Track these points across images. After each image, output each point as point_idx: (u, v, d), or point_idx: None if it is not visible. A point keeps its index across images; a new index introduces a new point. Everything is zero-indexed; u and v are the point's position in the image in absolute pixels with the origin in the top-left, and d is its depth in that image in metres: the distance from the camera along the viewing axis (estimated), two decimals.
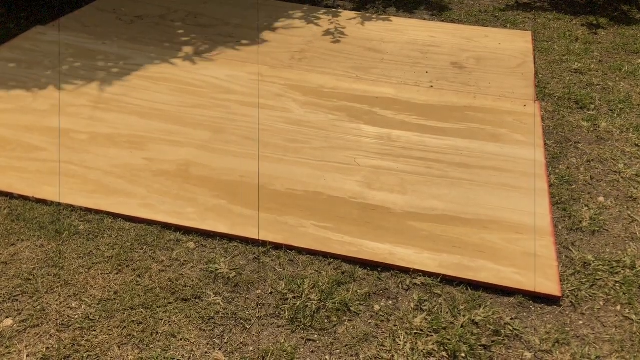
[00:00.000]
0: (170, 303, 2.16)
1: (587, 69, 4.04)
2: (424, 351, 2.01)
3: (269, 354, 1.99)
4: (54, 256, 2.33)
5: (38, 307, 2.12)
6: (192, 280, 2.25)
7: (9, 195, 2.63)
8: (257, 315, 2.13)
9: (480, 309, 2.17)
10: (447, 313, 2.16)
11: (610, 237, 2.55)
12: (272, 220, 2.53)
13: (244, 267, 2.33)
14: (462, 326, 2.10)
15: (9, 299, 2.14)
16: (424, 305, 2.19)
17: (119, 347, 1.99)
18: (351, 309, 2.17)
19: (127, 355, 1.96)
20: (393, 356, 1.99)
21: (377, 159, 2.96)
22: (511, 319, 2.15)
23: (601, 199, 2.78)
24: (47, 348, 1.97)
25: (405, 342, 2.04)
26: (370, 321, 2.13)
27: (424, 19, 4.90)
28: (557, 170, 2.97)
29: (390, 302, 2.21)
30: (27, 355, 1.95)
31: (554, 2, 5.39)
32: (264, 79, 3.68)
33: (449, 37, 4.47)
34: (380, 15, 4.91)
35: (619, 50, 4.35)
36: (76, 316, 2.09)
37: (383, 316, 2.15)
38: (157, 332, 2.04)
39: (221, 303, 2.17)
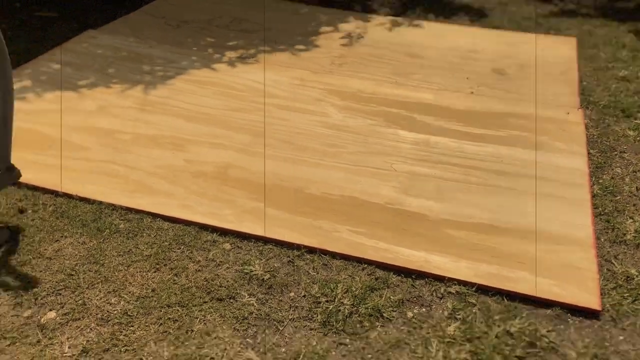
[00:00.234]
0: (205, 302, 2.20)
1: (634, 77, 3.91)
2: None
3: (301, 356, 2.00)
4: (95, 253, 2.41)
5: (79, 301, 2.19)
6: (227, 281, 2.29)
7: (55, 193, 2.73)
8: (290, 317, 2.15)
9: (516, 320, 2.13)
10: (481, 322, 2.12)
11: None
12: (307, 224, 2.55)
13: (278, 269, 2.35)
14: (496, 336, 2.07)
15: (52, 293, 2.23)
16: (458, 314, 2.16)
17: (155, 343, 2.04)
18: (384, 314, 2.16)
19: (163, 351, 2.01)
20: None
21: (414, 165, 2.94)
22: (548, 331, 2.10)
23: None
24: (87, 341, 2.04)
25: (438, 350, 2.02)
26: (402, 328, 2.12)
27: (464, 25, 4.85)
28: (600, 180, 2.89)
29: (424, 309, 2.19)
30: (69, 347, 2.02)
31: (600, 9, 5.25)
32: (305, 83, 3.71)
33: (491, 43, 4.41)
34: (421, 20, 4.88)
35: None
36: (115, 311, 2.15)
37: (416, 323, 2.13)
38: (192, 330, 2.09)
39: (255, 304, 2.20)
